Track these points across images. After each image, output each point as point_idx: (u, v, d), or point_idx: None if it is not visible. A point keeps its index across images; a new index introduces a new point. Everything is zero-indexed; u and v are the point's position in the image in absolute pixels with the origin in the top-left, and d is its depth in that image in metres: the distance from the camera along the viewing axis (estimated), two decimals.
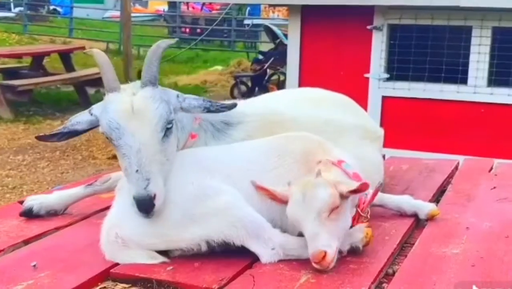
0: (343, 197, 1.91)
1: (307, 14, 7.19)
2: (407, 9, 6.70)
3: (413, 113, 6.90)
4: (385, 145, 2.87)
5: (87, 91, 11.16)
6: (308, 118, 2.42)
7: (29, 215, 2.36)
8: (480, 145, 6.42)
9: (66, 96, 11.64)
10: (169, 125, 2.02)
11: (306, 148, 2.16)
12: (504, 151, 6.13)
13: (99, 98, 10.05)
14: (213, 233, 1.92)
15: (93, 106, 2.08)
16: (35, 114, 10.48)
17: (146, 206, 1.91)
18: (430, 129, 6.77)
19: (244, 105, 2.41)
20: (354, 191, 1.93)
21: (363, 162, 2.31)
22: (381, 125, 3.92)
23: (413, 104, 6.93)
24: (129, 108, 1.97)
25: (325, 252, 1.83)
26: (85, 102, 10.80)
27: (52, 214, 2.39)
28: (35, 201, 2.39)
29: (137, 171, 1.91)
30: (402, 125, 6.79)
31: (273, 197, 2.00)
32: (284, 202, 1.96)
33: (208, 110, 2.12)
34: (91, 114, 2.05)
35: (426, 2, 6.41)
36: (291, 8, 7.40)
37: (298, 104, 2.51)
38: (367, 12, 6.88)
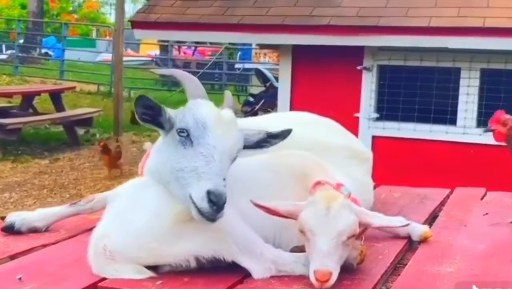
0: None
1: (298, 54, 7.28)
2: (397, 50, 6.80)
3: (403, 153, 6.93)
4: (375, 183, 2.88)
5: (76, 131, 11.12)
6: (296, 136, 2.41)
7: (10, 230, 2.31)
8: (470, 185, 6.43)
9: (55, 136, 11.59)
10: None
11: (303, 165, 2.16)
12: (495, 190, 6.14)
13: (88, 138, 10.01)
14: (203, 248, 1.87)
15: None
16: (23, 154, 10.40)
17: (220, 202, 1.80)
18: (420, 169, 6.78)
19: None
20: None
21: (351, 182, 2.30)
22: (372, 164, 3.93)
23: (403, 144, 6.97)
24: (218, 116, 1.96)
25: (331, 274, 1.80)
26: (74, 142, 10.79)
27: (33, 231, 2.33)
28: (17, 217, 2.34)
29: (218, 168, 1.85)
30: (392, 165, 6.79)
31: (274, 213, 1.94)
32: (290, 215, 1.92)
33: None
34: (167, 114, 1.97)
35: (415, 44, 6.51)
36: (282, 48, 7.49)
37: (285, 123, 2.50)
38: (357, 53, 6.98)
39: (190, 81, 2.05)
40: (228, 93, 2.21)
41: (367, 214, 1.97)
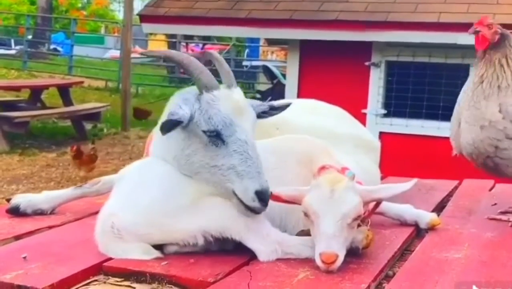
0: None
1: (305, 49, 7.26)
2: (405, 46, 6.76)
3: (411, 149, 6.90)
4: (382, 179, 2.86)
5: (84, 126, 11.13)
6: (303, 122, 2.41)
7: (15, 212, 2.31)
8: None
9: (62, 130, 11.61)
10: None
11: (309, 150, 2.15)
12: None
13: (96, 133, 10.00)
14: (211, 224, 1.87)
15: (177, 104, 1.95)
16: (31, 147, 10.42)
17: (268, 198, 1.88)
18: (427, 166, 6.74)
19: None
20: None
21: (358, 169, 2.29)
22: (379, 161, 3.90)
23: (411, 141, 6.94)
24: (237, 105, 1.96)
25: (337, 256, 1.79)
26: (82, 136, 10.79)
27: (39, 213, 2.34)
28: (23, 199, 2.35)
29: (256, 164, 1.90)
30: (400, 161, 6.76)
31: (277, 199, 1.94)
32: (294, 200, 1.92)
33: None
34: (183, 110, 1.93)
35: (424, 40, 6.47)
36: (290, 43, 7.47)
37: (294, 109, 2.50)
38: (365, 49, 6.95)
39: (201, 71, 1.98)
40: (214, 54, 2.17)
41: (373, 190, 1.96)
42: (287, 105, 2.18)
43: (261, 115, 2.09)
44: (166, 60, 2.32)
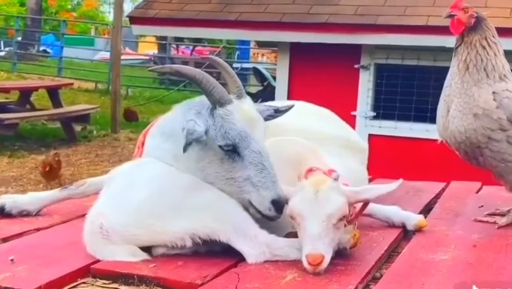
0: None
1: (295, 52, 7.28)
2: (394, 49, 6.80)
3: (400, 151, 6.93)
4: (370, 181, 2.87)
5: (73, 128, 11.10)
6: (290, 125, 2.42)
7: (0, 213, 2.30)
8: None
9: (52, 132, 11.57)
10: None
11: (298, 152, 2.16)
12: None
13: (85, 135, 9.87)
14: (199, 226, 1.88)
15: (192, 120, 1.94)
16: (20, 149, 10.38)
17: (283, 206, 1.93)
18: (416, 168, 6.77)
19: None
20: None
21: (346, 171, 2.30)
22: (368, 163, 3.92)
23: (400, 143, 6.97)
24: (249, 117, 2.01)
25: (324, 257, 1.80)
26: (71, 138, 10.76)
27: (24, 214, 2.33)
28: (8, 199, 2.34)
29: (271, 174, 1.94)
30: (388, 163, 6.78)
31: None
32: None
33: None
34: (199, 126, 1.94)
35: (413, 42, 6.51)
36: (280, 45, 7.49)
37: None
38: (355, 51, 6.98)
39: (214, 87, 1.98)
40: (218, 60, 2.24)
41: (358, 191, 1.96)
42: (291, 107, 2.24)
43: (266, 118, 2.13)
44: (177, 75, 2.35)
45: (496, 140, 2.32)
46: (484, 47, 2.38)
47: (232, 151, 1.96)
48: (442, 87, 2.54)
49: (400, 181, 2.01)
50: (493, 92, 2.34)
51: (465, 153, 2.42)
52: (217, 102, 1.98)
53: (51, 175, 7.77)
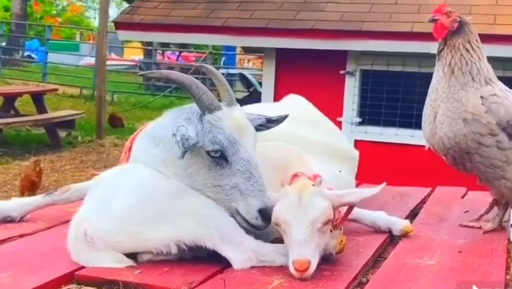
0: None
1: (281, 57, 7.29)
2: (379, 55, 6.83)
3: (385, 157, 6.95)
4: (357, 187, 2.86)
5: (58, 134, 11.01)
6: (279, 131, 2.41)
7: None
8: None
9: (36, 138, 11.47)
10: None
11: (284, 157, 2.16)
12: None
13: (70, 141, 9.70)
14: (184, 233, 1.86)
15: (182, 126, 1.93)
16: (4, 155, 10.28)
17: (270, 216, 1.91)
18: (402, 173, 6.79)
19: None
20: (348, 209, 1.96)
21: (333, 179, 2.30)
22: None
23: (385, 149, 7.00)
24: (238, 124, 1.99)
25: (310, 263, 1.79)
26: (56, 144, 10.67)
27: (8, 220, 2.31)
28: None
29: (259, 183, 1.93)
30: (375, 169, 6.79)
31: None
32: None
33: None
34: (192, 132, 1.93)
35: (398, 49, 6.54)
36: (266, 51, 7.50)
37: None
38: (340, 57, 7.01)
39: (203, 93, 1.98)
40: (209, 68, 2.22)
41: (342, 195, 1.96)
42: (285, 117, 2.20)
43: (258, 128, 2.11)
44: (167, 81, 2.34)
45: (486, 146, 2.32)
46: (468, 50, 2.38)
47: (220, 157, 1.94)
48: (427, 93, 2.53)
49: (384, 184, 2.02)
50: (481, 97, 2.33)
51: (453, 159, 2.41)
52: (206, 109, 1.98)
53: (32, 188, 7.34)
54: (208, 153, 1.95)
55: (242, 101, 12.17)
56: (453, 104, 2.34)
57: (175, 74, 2.09)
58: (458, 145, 2.34)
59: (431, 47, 6.56)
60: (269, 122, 2.18)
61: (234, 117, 2.00)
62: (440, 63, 2.42)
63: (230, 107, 2.04)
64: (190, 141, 1.89)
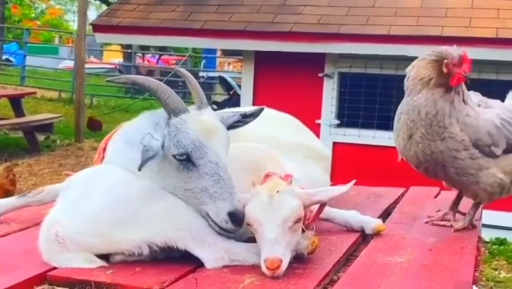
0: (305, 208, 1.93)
1: (260, 60, 7.33)
2: (357, 58, 6.90)
3: (363, 159, 7.02)
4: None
5: (36, 137, 10.93)
6: (252, 133, 2.42)
7: None
8: None
9: (14, 142, 11.38)
10: None
11: (257, 157, 2.17)
12: None
13: (48, 144, 9.64)
14: (156, 234, 1.86)
15: (149, 134, 1.93)
16: None
17: (241, 218, 1.90)
18: (379, 175, 6.85)
19: None
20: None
21: (307, 179, 2.32)
22: (332, 170, 3.96)
23: (363, 151, 7.06)
24: (206, 127, 1.97)
25: (281, 261, 1.81)
26: (34, 148, 10.59)
27: None
28: None
29: (228, 186, 1.92)
30: (353, 171, 6.85)
31: None
32: None
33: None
34: (156, 140, 1.92)
35: (375, 51, 6.61)
36: (244, 54, 7.53)
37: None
38: (319, 60, 7.06)
39: (168, 96, 1.97)
40: (182, 71, 2.24)
41: (312, 193, 1.98)
42: (261, 110, 2.20)
43: (234, 125, 2.11)
44: (134, 85, 2.33)
45: (460, 159, 2.38)
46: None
47: (186, 160, 1.93)
48: (404, 95, 2.52)
49: (353, 182, 2.04)
50: (457, 118, 2.35)
51: (425, 169, 2.47)
52: (172, 112, 1.97)
53: (7, 196, 7.25)
54: (174, 156, 1.94)
55: (223, 104, 12.18)
56: (436, 130, 2.33)
57: (141, 78, 2.09)
58: (434, 159, 2.39)
59: (407, 50, 6.67)
60: (245, 117, 2.17)
61: (201, 120, 1.98)
62: (425, 92, 2.35)
63: (199, 110, 2.03)
64: (149, 153, 1.88)
